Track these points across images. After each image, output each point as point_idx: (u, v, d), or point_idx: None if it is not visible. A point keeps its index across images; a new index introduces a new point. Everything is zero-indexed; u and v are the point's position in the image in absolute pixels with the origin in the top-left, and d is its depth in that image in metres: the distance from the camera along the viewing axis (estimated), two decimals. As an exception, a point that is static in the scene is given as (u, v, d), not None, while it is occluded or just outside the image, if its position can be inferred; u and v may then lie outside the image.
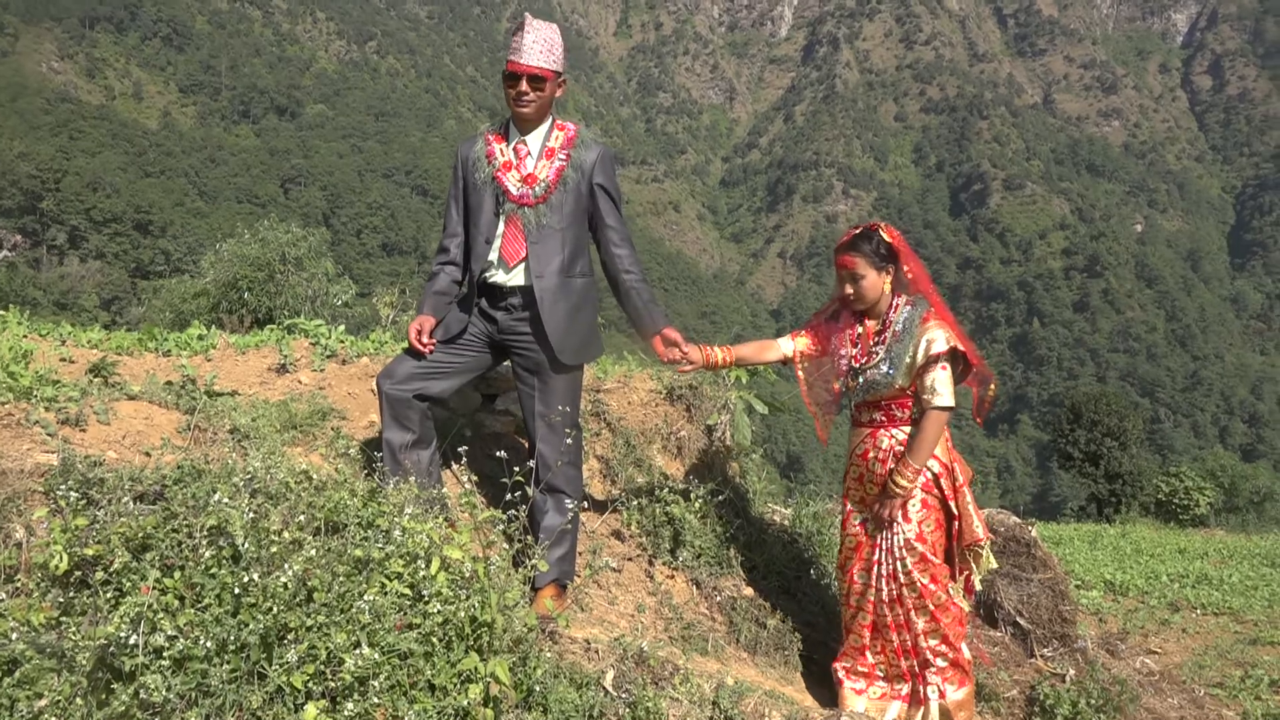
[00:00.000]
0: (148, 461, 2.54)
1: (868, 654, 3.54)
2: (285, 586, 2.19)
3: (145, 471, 2.32)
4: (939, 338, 3.32)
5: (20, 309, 5.75)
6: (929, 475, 3.38)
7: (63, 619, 1.95)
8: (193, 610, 2.01)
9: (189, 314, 14.77)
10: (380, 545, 2.61)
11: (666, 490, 4.16)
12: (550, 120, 3.33)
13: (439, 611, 2.33)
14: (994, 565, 3.53)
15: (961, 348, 3.35)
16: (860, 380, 3.47)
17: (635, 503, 4.15)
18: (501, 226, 3.27)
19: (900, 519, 3.40)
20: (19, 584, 2.03)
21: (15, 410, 2.52)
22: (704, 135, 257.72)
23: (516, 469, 4.29)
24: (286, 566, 2.23)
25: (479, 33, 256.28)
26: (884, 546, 3.45)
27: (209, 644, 1.96)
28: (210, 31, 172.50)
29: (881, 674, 3.53)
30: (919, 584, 3.38)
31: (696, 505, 4.14)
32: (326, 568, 2.36)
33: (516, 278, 3.30)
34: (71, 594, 2.00)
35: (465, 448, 4.13)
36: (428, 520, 2.86)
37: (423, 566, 2.54)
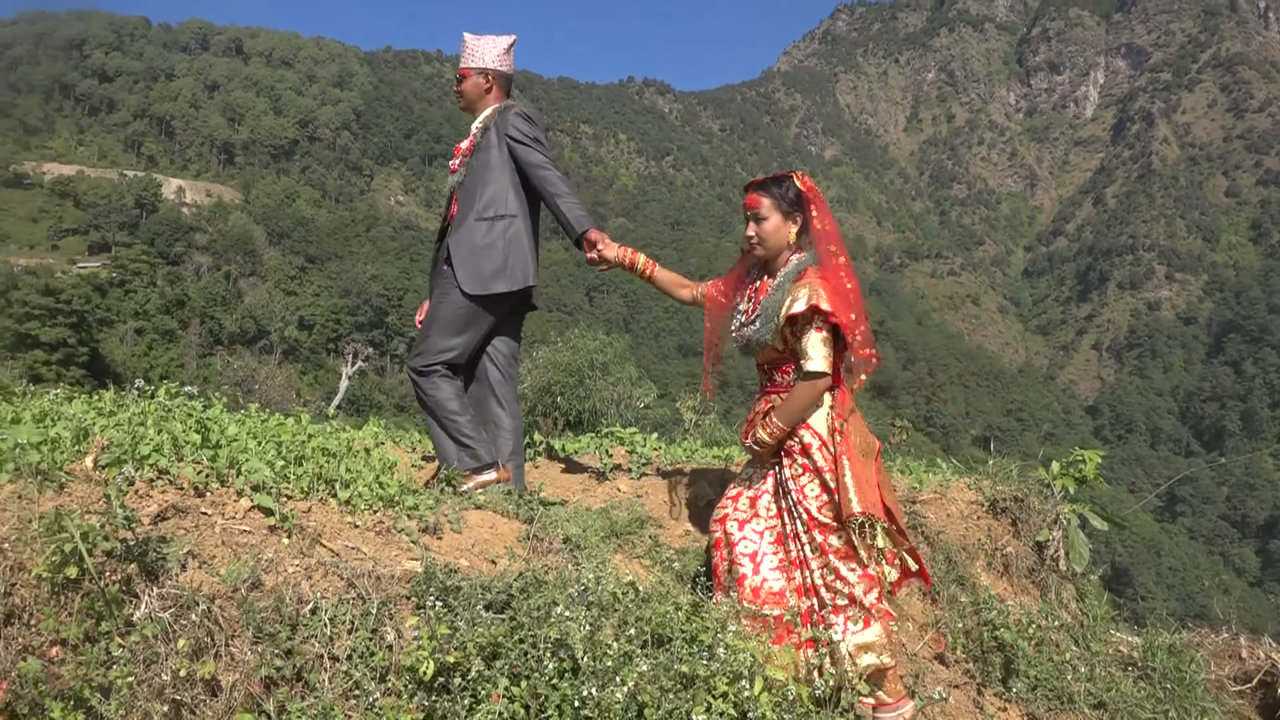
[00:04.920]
0: (494, 570, 2.71)
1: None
2: (619, 702, 2.23)
3: (493, 581, 2.48)
4: (801, 297, 3.04)
5: (373, 413, 6.49)
6: (797, 444, 3.10)
7: (427, 721, 2.10)
8: (538, 720, 2.09)
9: (509, 417, 15.94)
10: (705, 662, 2.60)
11: (995, 613, 3.86)
12: (493, 107, 3.89)
13: (766, 735, 2.27)
14: (888, 546, 3.07)
15: (826, 307, 3.00)
16: (738, 337, 3.31)
17: (960, 625, 3.88)
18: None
19: (791, 482, 3.13)
20: (389, 685, 2.21)
21: (385, 518, 2.79)
22: (1003, 225, 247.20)
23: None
24: (619, 680, 2.28)
25: (769, 140, 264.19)
26: (784, 508, 3.18)
27: (552, 756, 2.02)
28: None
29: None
30: (815, 540, 3.07)
31: (1030, 631, 3.80)
32: (655, 683, 2.38)
33: None
34: (434, 698, 2.15)
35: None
36: (751, 638, 2.83)
37: (746, 686, 2.51)
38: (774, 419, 3.11)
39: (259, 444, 3.01)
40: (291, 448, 3.01)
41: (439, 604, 2.34)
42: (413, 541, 2.73)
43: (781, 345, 3.15)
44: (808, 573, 3.13)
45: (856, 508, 2.97)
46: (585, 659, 2.29)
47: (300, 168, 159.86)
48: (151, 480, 2.54)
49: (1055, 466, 4.89)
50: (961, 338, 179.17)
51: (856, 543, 3.03)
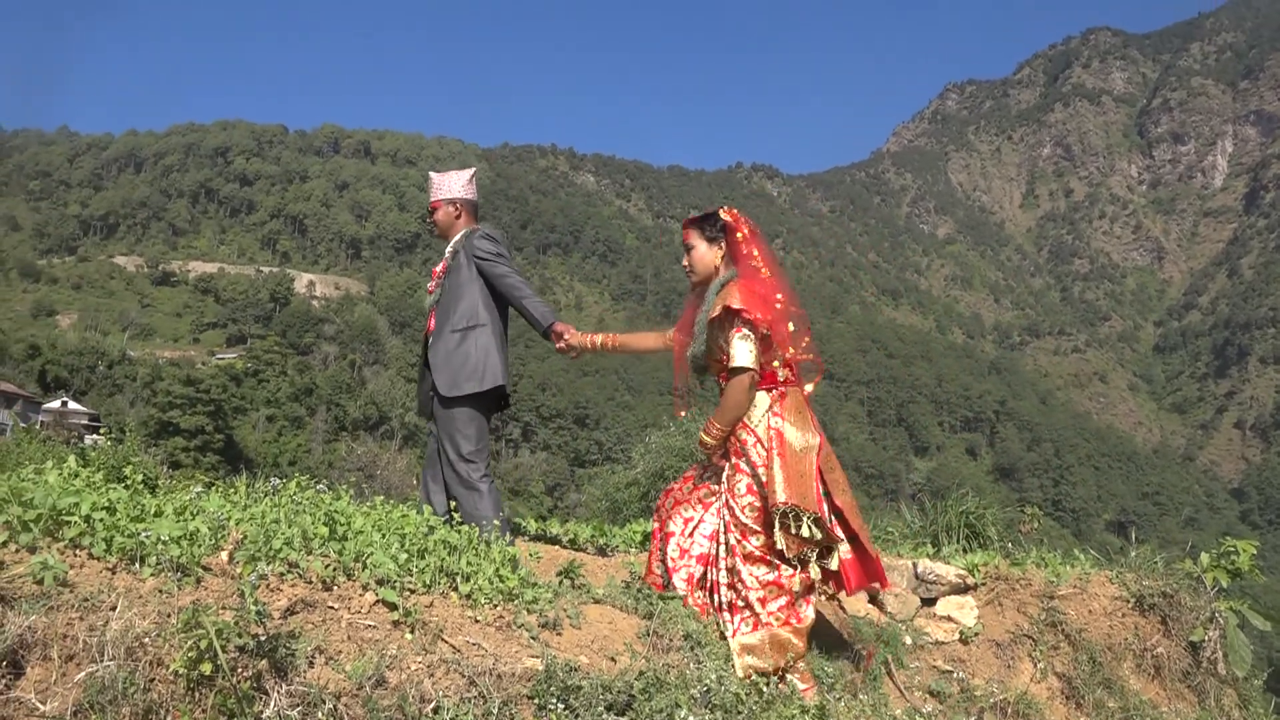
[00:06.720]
0: (614, 668, 2.66)
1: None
2: (746, 814, 2.13)
3: (614, 680, 2.43)
4: (718, 302, 3.29)
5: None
6: (736, 441, 3.33)
7: (549, 830, 2.04)
8: (662, 833, 2.01)
9: (622, 502, 15.91)
10: (834, 772, 2.48)
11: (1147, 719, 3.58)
12: (463, 231, 4.29)
13: None
14: (816, 536, 3.17)
15: (736, 305, 3.21)
16: (688, 359, 3.52)
17: (1109, 734, 3.60)
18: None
19: (726, 481, 3.34)
20: (511, 789, 2.17)
21: (505, 613, 2.78)
22: (1129, 300, 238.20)
23: (958, 681, 3.96)
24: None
25: (879, 220, 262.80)
26: (719, 505, 3.39)
27: None
28: (638, 245, 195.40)
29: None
30: (730, 541, 3.29)
31: (1190, 743, 3.50)
32: (783, 794, 2.27)
33: None
34: (556, 805, 2.09)
35: (914, 664, 3.90)
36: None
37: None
38: (712, 420, 3.35)
39: (383, 537, 3.05)
40: (414, 540, 3.05)
41: (560, 704, 2.29)
42: (533, 637, 2.70)
43: (718, 353, 3.36)
44: (714, 570, 3.36)
45: (781, 497, 3.14)
46: (710, 767, 2.20)
47: (422, 260, 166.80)
48: (282, 574, 2.59)
49: (1205, 559, 4.56)
50: (1089, 417, 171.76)
51: (779, 535, 3.16)
